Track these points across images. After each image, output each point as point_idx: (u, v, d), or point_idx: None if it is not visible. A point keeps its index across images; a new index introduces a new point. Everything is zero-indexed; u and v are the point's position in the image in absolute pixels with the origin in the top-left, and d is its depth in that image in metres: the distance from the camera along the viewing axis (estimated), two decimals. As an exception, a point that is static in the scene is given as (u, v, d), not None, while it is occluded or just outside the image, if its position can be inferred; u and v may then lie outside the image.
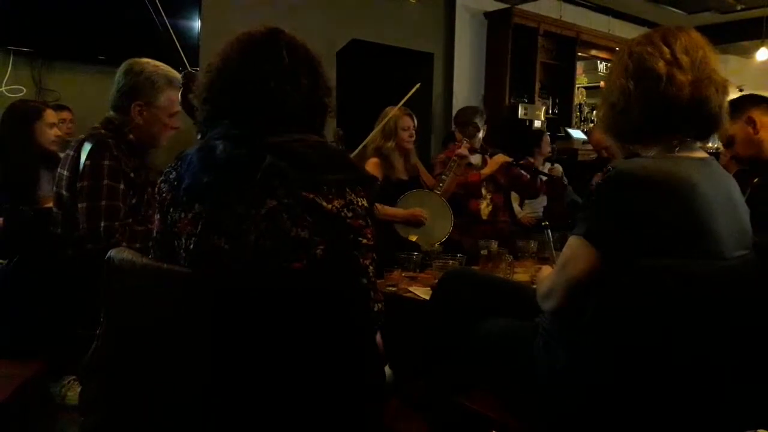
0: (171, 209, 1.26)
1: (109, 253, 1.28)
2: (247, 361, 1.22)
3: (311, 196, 1.16)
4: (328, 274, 1.21)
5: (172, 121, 2.19)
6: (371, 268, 1.25)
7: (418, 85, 2.94)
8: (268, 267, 1.18)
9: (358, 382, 1.25)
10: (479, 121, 3.66)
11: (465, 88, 5.79)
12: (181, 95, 1.85)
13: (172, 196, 1.26)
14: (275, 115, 1.23)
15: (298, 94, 1.25)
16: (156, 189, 1.31)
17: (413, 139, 3.33)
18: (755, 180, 2.18)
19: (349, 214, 1.19)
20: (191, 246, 1.22)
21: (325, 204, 1.17)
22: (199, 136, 1.35)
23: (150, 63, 2.14)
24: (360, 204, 1.21)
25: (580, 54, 6.48)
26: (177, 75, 2.18)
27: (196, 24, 3.98)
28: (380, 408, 1.42)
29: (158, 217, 1.30)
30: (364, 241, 1.22)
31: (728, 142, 2.26)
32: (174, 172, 1.27)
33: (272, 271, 1.23)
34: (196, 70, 1.86)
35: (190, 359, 1.23)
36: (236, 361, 1.22)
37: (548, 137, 4.73)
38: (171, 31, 2.34)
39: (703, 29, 1.36)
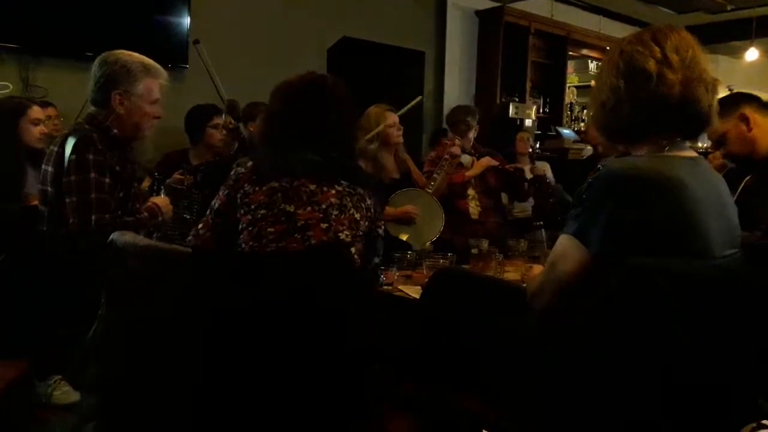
0: (246, 185, 1.69)
1: (111, 236, 1.30)
2: (249, 342, 1.23)
3: (361, 190, 1.74)
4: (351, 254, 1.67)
5: (154, 109, 2.17)
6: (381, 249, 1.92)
7: (420, 98, 2.91)
8: (329, 228, 1.65)
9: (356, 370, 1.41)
10: (471, 120, 3.66)
11: (456, 86, 5.79)
12: (227, 119, 2.48)
13: (249, 175, 1.70)
14: (325, 139, 1.75)
15: (338, 128, 1.77)
16: (232, 183, 1.72)
17: (401, 132, 3.33)
18: (747, 178, 2.18)
19: (377, 210, 1.81)
20: (263, 211, 1.65)
21: (368, 202, 1.76)
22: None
23: (124, 53, 2.12)
24: (376, 202, 1.81)
25: (571, 53, 6.49)
26: (153, 63, 2.16)
27: (186, 20, 3.95)
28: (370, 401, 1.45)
29: (223, 196, 1.73)
30: (380, 230, 1.85)
31: (719, 141, 2.25)
32: (249, 162, 1.73)
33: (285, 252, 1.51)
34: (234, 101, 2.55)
35: (191, 340, 1.23)
36: (239, 342, 1.23)
37: (525, 135, 4.72)
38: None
39: (693, 29, 1.36)
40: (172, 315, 1.27)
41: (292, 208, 1.65)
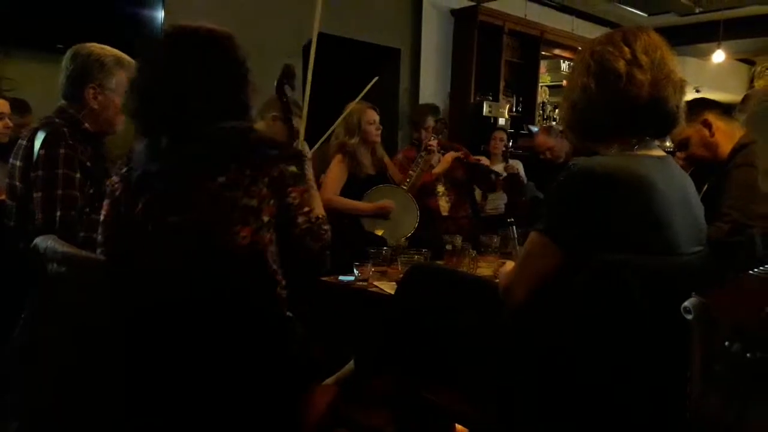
0: (123, 198, 1.41)
1: (34, 240, 1.32)
2: (168, 347, 1.24)
3: (255, 171, 1.36)
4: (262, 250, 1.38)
5: None
6: (303, 219, 1.45)
7: (375, 79, 2.94)
8: (219, 236, 1.34)
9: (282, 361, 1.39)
10: (434, 118, 3.71)
11: (431, 84, 5.81)
12: (279, 85, 2.05)
13: (123, 186, 1.41)
14: (197, 111, 1.39)
15: (211, 91, 1.41)
16: (107, 183, 1.47)
17: (380, 131, 3.34)
18: (707, 185, 2.22)
19: (288, 181, 1.40)
20: (149, 227, 1.35)
21: (265, 179, 1.37)
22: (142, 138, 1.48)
23: (96, 45, 2.08)
24: (290, 172, 1.42)
25: (543, 53, 6.55)
26: (126, 56, 2.12)
27: (160, 14, 3.90)
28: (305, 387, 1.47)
29: (107, 208, 1.45)
30: (297, 201, 1.42)
31: (681, 145, 2.31)
32: (125, 167, 1.44)
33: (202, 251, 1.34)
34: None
35: (108, 347, 1.24)
36: (156, 349, 1.24)
37: (502, 134, 4.76)
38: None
39: (662, 30, 1.40)
40: (92, 322, 1.27)
41: (174, 218, 1.35)
